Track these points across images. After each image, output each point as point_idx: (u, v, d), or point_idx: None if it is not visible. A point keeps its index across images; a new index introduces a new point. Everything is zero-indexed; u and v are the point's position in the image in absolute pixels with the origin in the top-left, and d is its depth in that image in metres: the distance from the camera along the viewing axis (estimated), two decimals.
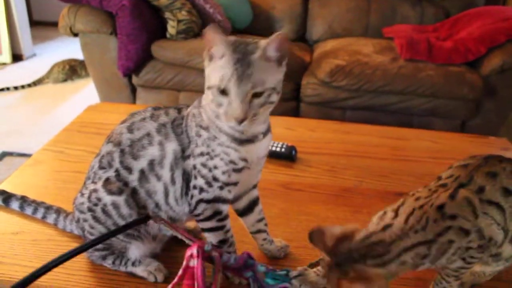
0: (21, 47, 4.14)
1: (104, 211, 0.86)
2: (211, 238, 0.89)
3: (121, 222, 0.86)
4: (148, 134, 0.86)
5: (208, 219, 0.87)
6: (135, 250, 0.92)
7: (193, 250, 0.76)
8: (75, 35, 2.58)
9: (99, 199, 0.86)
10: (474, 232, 0.76)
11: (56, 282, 0.90)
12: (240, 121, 0.75)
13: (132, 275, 0.92)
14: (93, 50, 2.61)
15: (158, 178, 0.85)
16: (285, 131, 1.58)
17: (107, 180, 0.87)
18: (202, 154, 0.82)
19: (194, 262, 0.75)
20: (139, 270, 0.91)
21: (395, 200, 1.18)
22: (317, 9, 3.09)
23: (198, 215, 0.87)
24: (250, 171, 0.86)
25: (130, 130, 0.88)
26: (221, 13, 2.78)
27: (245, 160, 0.83)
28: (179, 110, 0.88)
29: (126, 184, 0.86)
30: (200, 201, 0.85)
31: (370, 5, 3.04)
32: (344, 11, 3.05)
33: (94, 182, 0.88)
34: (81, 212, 0.89)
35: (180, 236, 0.82)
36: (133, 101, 2.72)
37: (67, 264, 0.93)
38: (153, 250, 0.95)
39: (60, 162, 1.34)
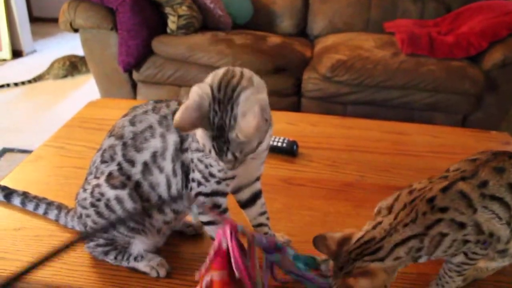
0: (21, 43, 4.13)
1: (108, 206, 0.86)
2: (211, 232, 0.89)
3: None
4: (150, 127, 0.86)
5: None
6: (139, 244, 0.92)
7: (226, 230, 0.74)
8: (75, 30, 2.57)
9: (102, 194, 0.86)
10: (471, 226, 0.76)
11: (58, 278, 0.90)
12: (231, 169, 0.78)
13: (135, 270, 0.92)
14: (94, 46, 2.61)
15: (161, 170, 0.85)
16: (287, 126, 1.57)
17: (109, 175, 0.87)
18: (198, 150, 0.82)
19: (227, 243, 0.74)
20: (142, 265, 0.91)
21: None
22: (317, 4, 3.08)
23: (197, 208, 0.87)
24: (250, 165, 0.86)
25: (132, 123, 0.88)
26: (222, 8, 2.78)
27: None
28: (180, 102, 0.88)
29: (129, 177, 0.86)
30: (199, 194, 0.85)
31: (370, 0, 3.03)
32: (345, 5, 3.04)
33: (96, 177, 0.88)
34: (84, 207, 0.88)
35: (211, 219, 0.85)
36: (134, 96, 2.71)
37: (69, 260, 0.94)
38: (156, 244, 0.95)
39: (61, 158, 1.34)
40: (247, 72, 0.76)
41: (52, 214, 1.05)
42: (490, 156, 0.81)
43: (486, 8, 2.67)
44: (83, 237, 0.82)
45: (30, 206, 1.07)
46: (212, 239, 0.90)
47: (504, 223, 0.77)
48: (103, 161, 0.88)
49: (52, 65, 3.67)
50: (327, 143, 1.47)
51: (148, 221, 0.90)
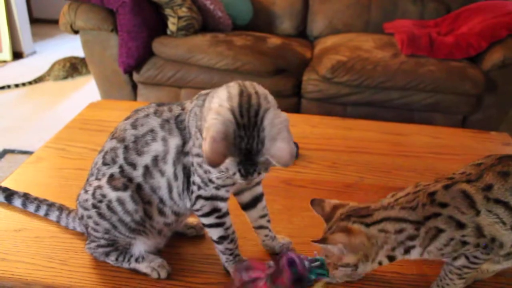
0: (22, 44, 4.13)
1: (109, 207, 0.86)
2: (211, 234, 0.90)
3: (127, 218, 0.86)
4: (152, 130, 0.86)
5: (207, 215, 0.87)
6: (140, 245, 0.92)
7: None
8: (76, 32, 2.57)
9: (103, 196, 0.86)
10: (471, 228, 0.76)
11: (59, 279, 0.90)
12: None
13: (135, 271, 0.92)
14: (94, 48, 2.61)
15: (162, 173, 0.86)
16: None
17: (111, 177, 0.87)
18: (198, 155, 0.83)
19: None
20: (143, 267, 0.92)
21: None
22: (317, 5, 3.08)
23: (197, 210, 0.87)
24: None
25: (134, 126, 0.88)
26: (222, 10, 2.78)
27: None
28: (182, 106, 0.88)
29: (130, 180, 0.87)
30: (199, 197, 0.85)
31: (370, 1, 3.03)
32: (345, 6, 3.04)
33: (98, 179, 0.88)
34: (85, 209, 0.89)
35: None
36: (134, 98, 2.71)
37: (70, 261, 0.94)
38: (157, 246, 0.95)
39: (62, 159, 1.34)
40: (260, 88, 0.77)
41: (53, 216, 1.05)
42: (495, 160, 0.82)
43: (485, 8, 2.67)
44: None
45: (31, 207, 1.07)
46: (213, 241, 0.90)
47: (509, 229, 0.76)
48: (104, 163, 0.89)
49: (52, 66, 3.67)
50: (327, 145, 1.47)
51: (149, 222, 0.90)
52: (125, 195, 0.85)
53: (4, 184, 1.15)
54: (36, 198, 1.08)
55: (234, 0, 2.92)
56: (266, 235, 0.98)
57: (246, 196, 0.94)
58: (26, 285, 0.90)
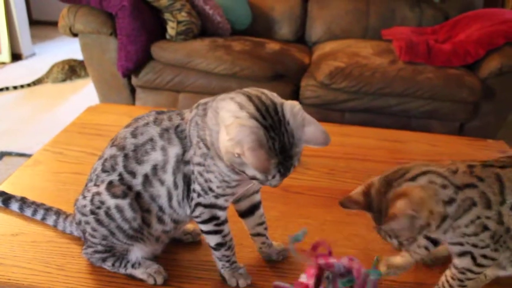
0: (21, 46, 4.13)
1: (108, 214, 0.86)
2: (209, 240, 0.90)
3: (125, 225, 0.87)
4: (151, 139, 0.86)
5: (205, 222, 0.87)
6: (137, 252, 0.92)
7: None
8: (75, 35, 2.58)
9: (102, 202, 0.86)
10: (495, 211, 0.76)
11: (56, 284, 0.90)
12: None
13: (132, 277, 0.92)
14: (93, 51, 2.61)
15: (162, 182, 0.86)
16: None
17: (110, 183, 0.87)
18: (199, 164, 0.83)
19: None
20: (139, 273, 0.92)
21: None
22: (316, 10, 3.10)
23: (197, 217, 0.87)
24: (249, 183, 0.87)
25: (134, 135, 0.88)
26: (221, 14, 2.79)
27: (240, 181, 0.83)
28: (182, 116, 0.88)
29: (130, 187, 0.87)
30: (198, 204, 0.86)
31: (369, 7, 3.05)
32: (343, 13, 3.05)
33: (96, 185, 0.89)
34: (83, 214, 0.89)
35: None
36: (133, 102, 2.72)
37: (67, 266, 0.94)
38: (154, 252, 0.95)
39: (60, 163, 1.34)
40: (261, 89, 0.79)
41: (51, 220, 1.05)
42: None
43: (483, 16, 2.69)
44: None
45: (28, 212, 1.07)
46: (211, 247, 0.90)
47: None
48: (104, 170, 0.89)
49: (51, 69, 3.67)
50: (324, 151, 1.48)
51: (147, 230, 0.90)
52: (124, 203, 0.85)
53: (1, 188, 1.15)
54: (33, 202, 1.08)
55: (233, 5, 2.93)
56: (263, 243, 0.98)
57: (244, 204, 0.95)
58: None
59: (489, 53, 2.42)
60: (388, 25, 2.99)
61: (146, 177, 0.86)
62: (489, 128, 2.50)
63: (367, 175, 1.34)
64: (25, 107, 3.24)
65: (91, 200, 0.87)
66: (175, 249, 1.01)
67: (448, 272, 0.84)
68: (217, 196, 0.84)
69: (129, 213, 0.86)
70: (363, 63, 2.48)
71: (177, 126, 0.86)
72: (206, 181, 0.83)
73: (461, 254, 0.80)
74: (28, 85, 3.55)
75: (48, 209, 1.06)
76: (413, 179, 0.76)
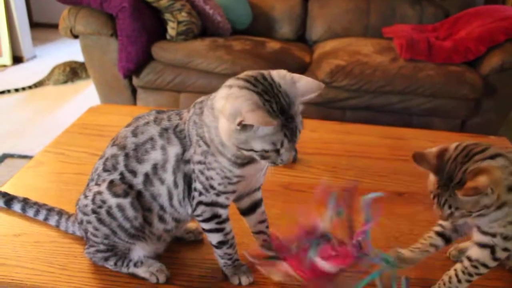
0: (22, 49, 4.14)
1: (109, 213, 0.86)
2: (211, 239, 0.90)
3: (126, 224, 0.87)
4: (151, 138, 0.87)
5: (207, 220, 0.88)
6: (139, 250, 0.92)
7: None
8: (76, 37, 2.58)
9: (103, 201, 0.86)
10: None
11: (58, 284, 0.90)
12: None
13: (134, 276, 0.92)
14: (94, 52, 2.62)
15: (162, 181, 0.86)
16: None
17: (111, 183, 0.87)
18: (200, 162, 0.83)
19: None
20: (141, 271, 0.92)
21: (395, 200, 1.20)
22: (316, 9, 3.10)
23: (198, 216, 0.88)
24: (251, 179, 0.87)
25: (135, 134, 0.88)
26: (221, 14, 2.79)
27: (241, 177, 0.83)
28: (181, 116, 0.88)
29: (131, 186, 0.87)
30: (200, 203, 0.86)
31: (369, 5, 3.05)
32: (344, 11, 3.05)
33: (98, 184, 0.89)
34: (85, 214, 0.89)
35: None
36: (134, 102, 2.72)
37: (70, 265, 0.95)
38: (156, 251, 0.96)
39: (62, 164, 1.34)
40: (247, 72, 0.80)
41: (53, 220, 1.05)
42: None
43: (484, 13, 2.68)
44: None
45: (31, 212, 1.07)
46: (213, 245, 0.90)
47: None
48: (105, 170, 0.89)
49: (52, 71, 3.67)
50: (326, 149, 1.48)
51: (149, 229, 0.90)
52: (125, 202, 0.86)
53: (3, 189, 1.15)
54: (35, 203, 1.08)
55: (234, 4, 2.93)
56: (265, 240, 0.98)
57: (246, 202, 0.95)
58: None
59: (490, 49, 2.42)
60: (388, 23, 2.98)
61: (146, 176, 0.86)
62: (491, 125, 2.49)
63: (369, 173, 1.35)
64: (27, 109, 3.25)
65: (93, 200, 0.87)
66: (177, 248, 1.01)
67: (458, 266, 0.84)
68: (218, 194, 0.84)
69: (130, 212, 0.86)
70: (364, 61, 2.48)
71: (176, 126, 0.86)
72: (207, 179, 0.83)
73: (483, 246, 0.80)
74: (30, 87, 3.56)
75: (50, 210, 1.06)
76: (492, 157, 0.76)
